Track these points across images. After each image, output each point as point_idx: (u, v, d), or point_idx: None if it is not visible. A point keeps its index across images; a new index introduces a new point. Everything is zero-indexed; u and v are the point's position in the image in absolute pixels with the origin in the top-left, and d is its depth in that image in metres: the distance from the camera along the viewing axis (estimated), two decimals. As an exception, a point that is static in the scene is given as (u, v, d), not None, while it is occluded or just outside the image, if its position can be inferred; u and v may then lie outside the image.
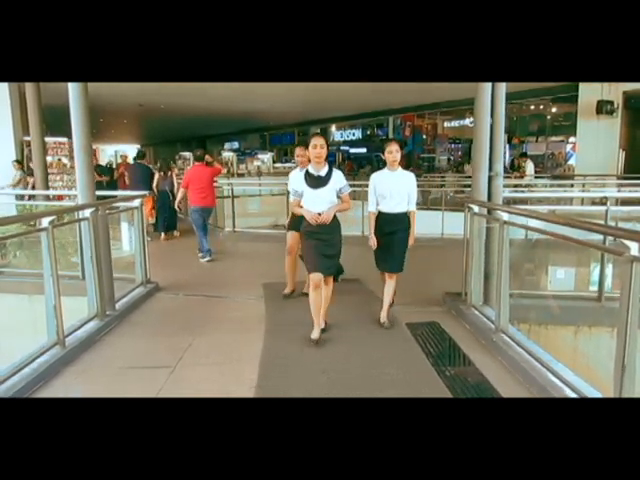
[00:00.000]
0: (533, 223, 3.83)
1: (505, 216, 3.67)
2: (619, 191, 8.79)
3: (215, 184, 8.40)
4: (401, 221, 4.16)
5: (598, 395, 2.70)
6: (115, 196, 6.25)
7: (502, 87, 4.26)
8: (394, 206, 4.12)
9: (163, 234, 8.85)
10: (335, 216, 3.80)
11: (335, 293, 4.03)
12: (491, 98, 4.25)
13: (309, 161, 4.75)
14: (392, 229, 4.12)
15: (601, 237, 3.82)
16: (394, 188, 4.09)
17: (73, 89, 4.12)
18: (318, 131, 5.02)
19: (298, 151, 5.06)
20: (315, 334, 3.78)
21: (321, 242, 3.76)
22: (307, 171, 3.78)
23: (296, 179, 4.75)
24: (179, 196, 7.57)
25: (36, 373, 3.11)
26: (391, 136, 19.61)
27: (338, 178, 3.76)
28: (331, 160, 16.52)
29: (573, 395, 2.79)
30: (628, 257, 2.20)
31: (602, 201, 5.00)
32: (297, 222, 4.60)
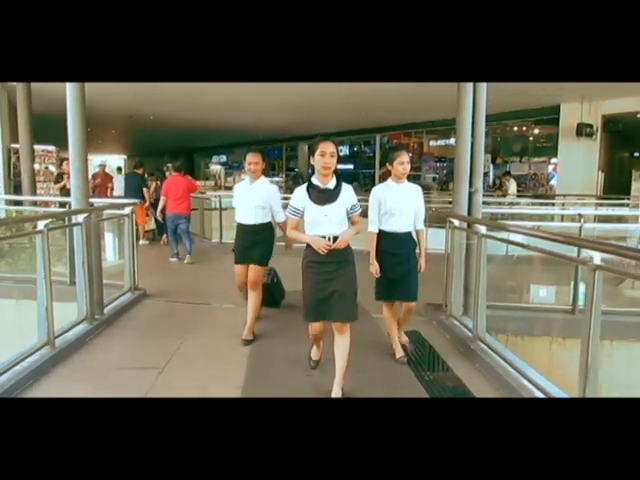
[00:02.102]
0: (514, 238, 4.04)
1: (483, 229, 3.86)
2: (596, 209, 9.11)
3: (201, 194, 8.64)
4: (410, 241, 3.68)
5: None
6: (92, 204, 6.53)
7: (482, 108, 4.48)
8: (402, 224, 3.61)
9: (165, 236, 9.09)
10: (348, 245, 3.04)
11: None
12: (472, 119, 4.47)
13: (263, 172, 4.19)
14: (400, 251, 3.61)
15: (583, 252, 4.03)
16: (403, 204, 3.59)
17: (71, 97, 4.21)
18: (325, 137, 4.35)
19: (250, 158, 4.11)
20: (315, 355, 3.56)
21: (327, 275, 2.97)
22: (310, 183, 3.01)
23: (244, 192, 4.17)
24: (160, 204, 8.05)
25: (26, 371, 3.19)
26: (378, 154, 19.97)
27: (349, 193, 3.04)
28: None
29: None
30: (591, 266, 2.39)
31: (578, 219, 5.24)
32: (247, 248, 4.12)
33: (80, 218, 4.14)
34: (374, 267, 3.56)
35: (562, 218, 9.55)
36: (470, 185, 4.50)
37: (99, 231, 4.48)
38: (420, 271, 3.68)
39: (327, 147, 2.90)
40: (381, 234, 3.61)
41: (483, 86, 4.46)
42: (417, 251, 3.74)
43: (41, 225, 3.49)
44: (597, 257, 2.38)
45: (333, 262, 2.96)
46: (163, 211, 8.08)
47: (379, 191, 3.64)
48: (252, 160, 4.10)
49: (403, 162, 3.53)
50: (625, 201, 10.06)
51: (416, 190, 3.72)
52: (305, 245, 3.04)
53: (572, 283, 4.96)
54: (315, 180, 2.99)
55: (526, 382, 3.14)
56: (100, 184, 10.79)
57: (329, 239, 2.92)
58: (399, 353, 3.73)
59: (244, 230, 4.21)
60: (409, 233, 3.67)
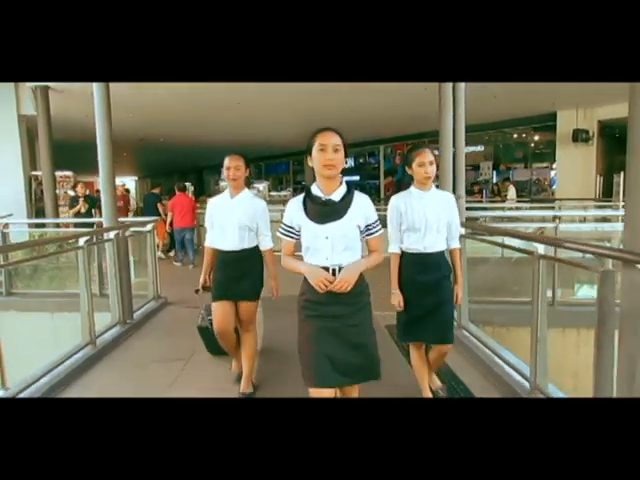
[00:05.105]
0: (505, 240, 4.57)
1: (463, 231, 4.40)
2: (585, 211, 9.62)
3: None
4: (441, 265, 2.87)
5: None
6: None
7: (461, 122, 5.05)
8: (429, 243, 2.82)
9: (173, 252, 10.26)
10: (361, 276, 2.21)
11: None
12: (453, 131, 5.04)
13: (247, 181, 3.27)
14: (427, 278, 2.81)
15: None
16: (430, 216, 2.80)
17: (100, 126, 4.82)
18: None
19: (228, 162, 3.17)
20: None
21: (333, 322, 2.17)
22: (308, 192, 2.20)
23: (223, 209, 3.24)
24: (168, 219, 9.44)
25: (76, 365, 3.80)
26: (382, 165, 20.53)
27: (363, 206, 2.19)
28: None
29: (515, 375, 3.45)
30: (536, 256, 2.94)
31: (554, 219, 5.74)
32: (232, 280, 3.21)
33: (111, 235, 4.75)
34: (396, 298, 2.82)
35: (559, 220, 10.08)
36: (454, 191, 5.04)
37: (127, 245, 5.08)
38: (457, 303, 3.01)
39: (327, 138, 2.11)
40: (403, 256, 2.86)
41: (462, 103, 5.03)
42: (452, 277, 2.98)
43: (82, 242, 4.10)
44: (540, 248, 2.94)
45: (340, 303, 2.16)
46: (171, 224, 9.42)
47: (399, 201, 2.87)
48: (231, 164, 3.15)
49: (424, 163, 2.76)
50: (613, 203, 10.54)
51: (447, 199, 2.94)
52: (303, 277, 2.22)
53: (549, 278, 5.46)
54: (315, 189, 2.18)
55: (499, 361, 3.69)
56: (122, 206, 11.56)
57: (332, 272, 2.13)
58: (434, 385, 3.27)
59: (225, 259, 3.24)
60: (439, 254, 2.87)
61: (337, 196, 2.14)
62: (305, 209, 2.18)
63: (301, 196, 2.23)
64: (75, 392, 3.51)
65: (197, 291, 3.43)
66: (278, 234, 2.29)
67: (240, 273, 3.20)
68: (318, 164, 2.10)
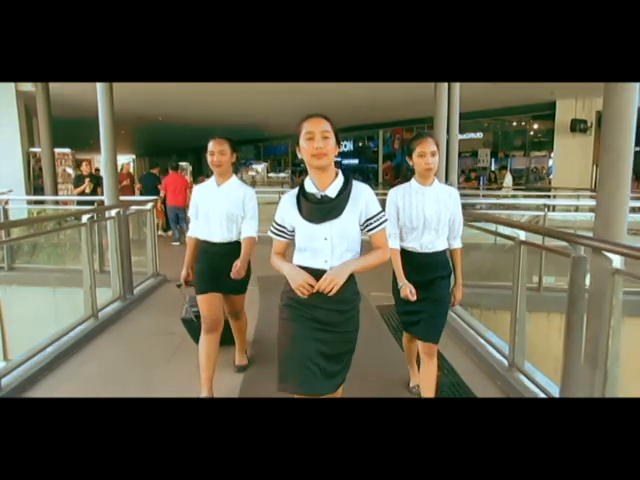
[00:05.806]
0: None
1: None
2: (578, 200, 9.80)
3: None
4: (439, 265, 2.70)
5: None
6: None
7: (456, 110, 5.18)
8: (426, 242, 2.66)
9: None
10: (352, 277, 2.02)
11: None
12: (447, 118, 5.17)
13: (235, 167, 3.06)
14: (426, 278, 2.65)
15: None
16: (429, 214, 2.61)
17: (102, 106, 4.93)
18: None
19: (212, 146, 2.92)
20: None
21: (318, 328, 2.02)
22: (301, 189, 2.01)
23: (209, 197, 3.00)
24: (161, 197, 9.70)
25: (79, 336, 3.99)
26: (381, 149, 20.57)
27: (364, 199, 1.97)
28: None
29: (495, 353, 3.64)
30: (518, 241, 3.11)
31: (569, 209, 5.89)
32: (218, 274, 2.94)
33: (113, 213, 4.90)
34: (406, 289, 2.56)
35: (554, 208, 10.25)
36: (446, 179, 5.20)
37: (128, 223, 5.23)
38: (453, 304, 2.83)
39: (315, 125, 1.90)
40: (403, 253, 2.70)
41: (456, 92, 5.16)
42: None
43: (85, 219, 4.25)
44: (522, 234, 3.11)
45: (328, 309, 1.99)
46: (164, 202, 9.73)
47: (397, 195, 2.69)
48: (215, 149, 2.90)
49: (425, 153, 2.54)
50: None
51: (450, 194, 2.68)
52: None
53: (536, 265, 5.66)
54: (309, 184, 1.98)
55: (480, 339, 3.91)
56: (128, 185, 11.73)
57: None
58: (414, 382, 3.17)
59: (211, 251, 3.02)
60: (439, 254, 2.70)
61: (333, 191, 1.94)
62: (299, 207, 1.98)
63: (294, 191, 2.03)
64: (78, 362, 3.71)
65: (179, 285, 3.24)
66: (269, 233, 2.12)
67: (230, 267, 2.85)
68: (307, 154, 1.90)
